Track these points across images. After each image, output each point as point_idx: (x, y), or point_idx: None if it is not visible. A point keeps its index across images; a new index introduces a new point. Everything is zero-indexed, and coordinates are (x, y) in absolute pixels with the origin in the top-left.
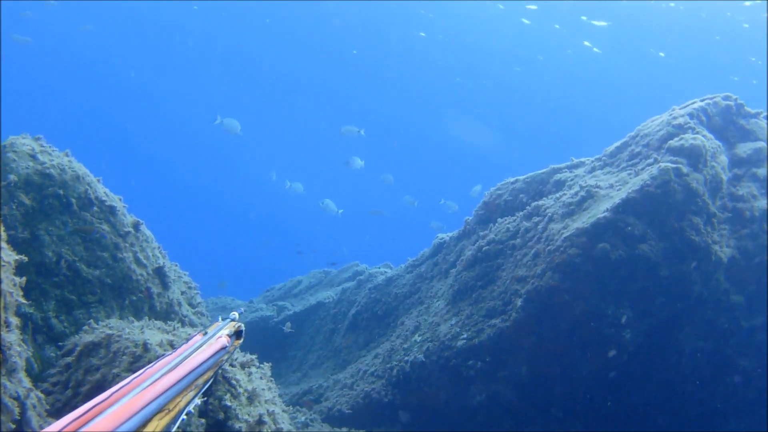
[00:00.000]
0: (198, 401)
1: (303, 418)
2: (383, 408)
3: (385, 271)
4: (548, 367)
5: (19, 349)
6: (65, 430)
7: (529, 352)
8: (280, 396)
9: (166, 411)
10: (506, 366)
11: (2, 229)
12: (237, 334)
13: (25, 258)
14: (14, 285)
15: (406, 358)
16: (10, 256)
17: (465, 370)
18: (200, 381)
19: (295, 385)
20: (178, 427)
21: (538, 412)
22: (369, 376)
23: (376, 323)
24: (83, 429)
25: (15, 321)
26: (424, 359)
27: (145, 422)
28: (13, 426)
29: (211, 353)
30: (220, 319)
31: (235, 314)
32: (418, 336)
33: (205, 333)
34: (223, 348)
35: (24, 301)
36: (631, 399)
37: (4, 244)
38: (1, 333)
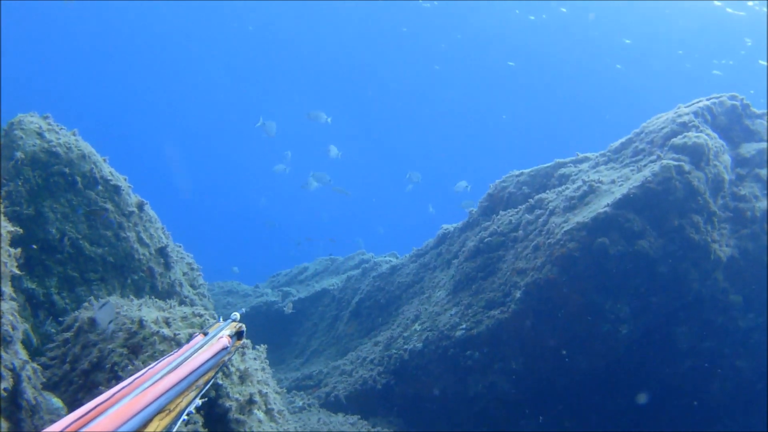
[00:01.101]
0: (199, 402)
1: (300, 403)
2: (380, 394)
3: (390, 260)
4: (545, 360)
5: (12, 318)
6: (67, 430)
7: (526, 345)
8: (279, 380)
9: (167, 411)
10: (504, 357)
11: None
12: (238, 334)
13: (20, 230)
14: (9, 256)
15: (406, 346)
16: (5, 228)
17: (463, 360)
18: (201, 381)
19: (296, 370)
20: (178, 428)
21: (534, 403)
22: (368, 363)
23: (379, 311)
24: (84, 429)
25: (8, 291)
26: (422, 348)
27: (146, 422)
28: (6, 395)
29: (212, 354)
30: (221, 319)
31: (237, 315)
32: (418, 325)
33: (207, 334)
34: (224, 348)
35: (18, 272)
36: (627, 394)
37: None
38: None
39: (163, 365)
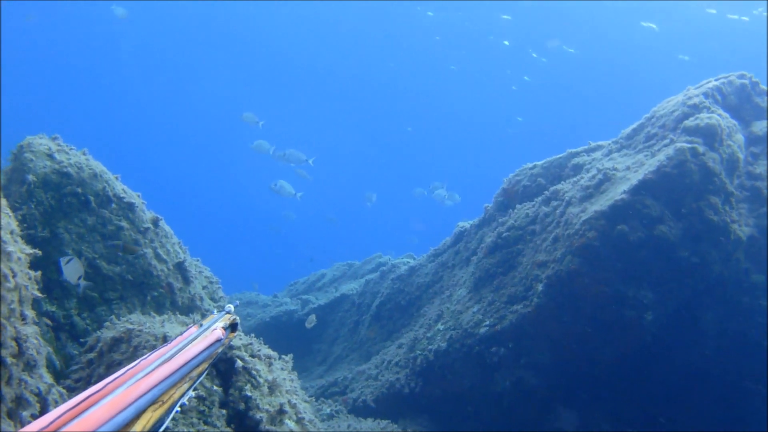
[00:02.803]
0: (192, 393)
1: (329, 410)
2: (408, 397)
3: (408, 261)
4: (571, 352)
5: (35, 342)
6: (59, 420)
7: (552, 337)
8: (305, 389)
9: (161, 403)
10: (529, 352)
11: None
12: (232, 326)
13: (39, 252)
14: (29, 278)
15: (430, 346)
16: (24, 251)
17: (488, 357)
18: (194, 373)
19: (321, 377)
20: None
21: (562, 396)
22: (393, 366)
23: (400, 313)
24: (77, 419)
25: (31, 314)
26: (447, 347)
27: (140, 413)
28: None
29: (206, 345)
30: (215, 311)
31: (231, 307)
32: (441, 324)
33: (201, 325)
34: (218, 340)
35: (40, 294)
36: (655, 381)
37: (6, 236)
38: (16, 326)
39: (157, 356)
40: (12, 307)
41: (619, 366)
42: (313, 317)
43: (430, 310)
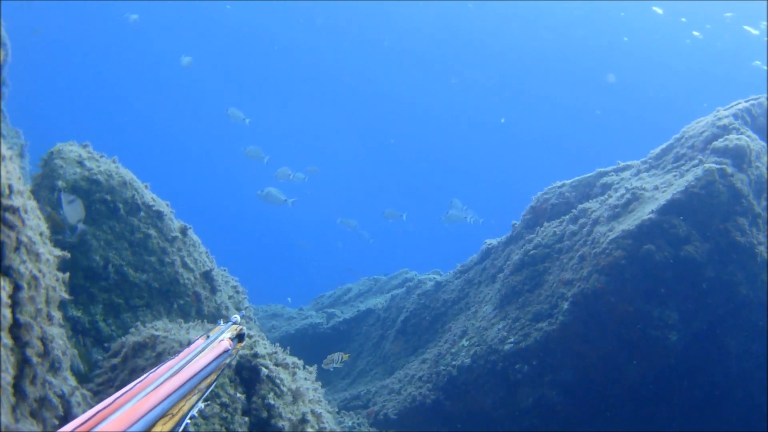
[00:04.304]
0: (201, 405)
1: (350, 423)
2: (430, 411)
3: (434, 278)
4: (595, 370)
5: (61, 343)
6: None
7: (576, 356)
8: (327, 401)
9: (170, 416)
10: (553, 369)
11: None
12: (239, 337)
13: (68, 255)
14: (57, 280)
15: (454, 362)
16: (53, 253)
17: (512, 374)
18: (203, 385)
19: (344, 391)
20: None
21: (585, 415)
22: (416, 381)
23: (425, 329)
24: None
25: (57, 315)
26: (471, 363)
27: (150, 427)
28: (58, 422)
29: (214, 357)
30: (222, 322)
31: (237, 317)
32: (466, 341)
33: (208, 336)
34: (226, 351)
35: (67, 296)
36: (678, 401)
37: (35, 237)
38: (42, 326)
39: (165, 369)
40: (39, 307)
41: (642, 385)
42: (335, 358)
43: (455, 326)
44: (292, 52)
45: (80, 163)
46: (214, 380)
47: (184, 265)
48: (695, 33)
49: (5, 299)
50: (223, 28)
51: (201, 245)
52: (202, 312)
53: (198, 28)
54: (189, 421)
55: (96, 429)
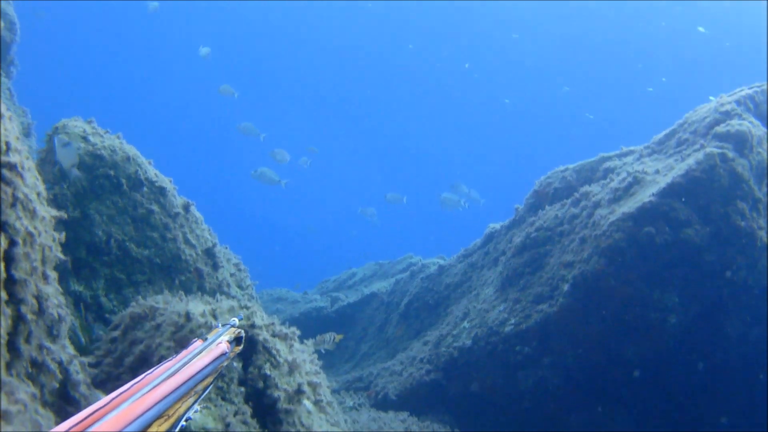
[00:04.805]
0: (197, 407)
1: (351, 402)
2: (430, 392)
3: (438, 262)
4: (594, 352)
5: (56, 302)
6: None
7: (576, 337)
8: (329, 384)
9: (166, 417)
10: (553, 351)
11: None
12: (237, 340)
13: (64, 215)
14: (53, 240)
15: (455, 344)
16: (50, 212)
17: (512, 356)
18: (200, 387)
19: (346, 374)
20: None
21: (584, 398)
22: (417, 362)
23: (428, 312)
24: None
25: (53, 275)
26: (472, 345)
27: (145, 428)
28: (58, 386)
29: (211, 359)
30: (219, 325)
31: (235, 320)
32: (467, 323)
33: (205, 339)
34: (223, 354)
35: (62, 256)
36: (676, 385)
37: (32, 196)
38: (38, 284)
39: (162, 371)
40: (35, 265)
41: (641, 368)
42: (326, 339)
43: (458, 309)
44: (296, 36)
45: (84, 138)
46: (211, 383)
47: (186, 241)
48: (700, 28)
49: None
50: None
51: (203, 222)
52: (204, 288)
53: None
54: (185, 423)
55: (91, 429)
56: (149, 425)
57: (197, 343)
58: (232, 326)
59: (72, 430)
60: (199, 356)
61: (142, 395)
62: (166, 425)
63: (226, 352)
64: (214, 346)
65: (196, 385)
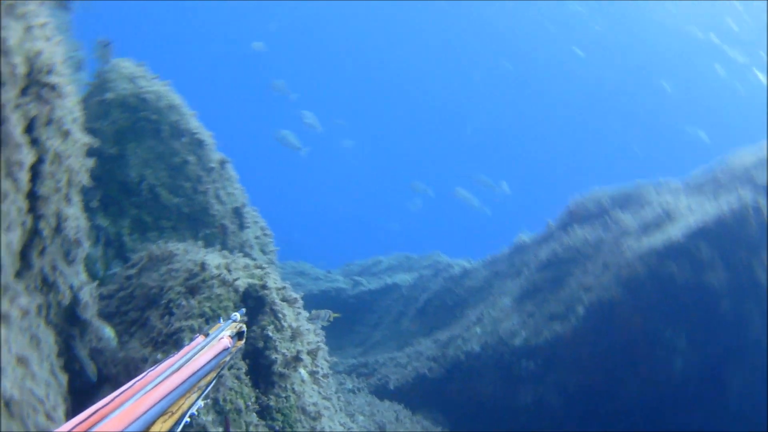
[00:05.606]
0: (201, 403)
1: (351, 385)
2: (429, 389)
3: (463, 264)
4: (597, 379)
5: (75, 225)
6: None
7: (581, 361)
8: (335, 364)
9: (170, 414)
10: (557, 371)
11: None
12: (239, 334)
13: (95, 144)
14: (81, 165)
15: (464, 347)
16: (83, 138)
17: (517, 369)
18: (203, 383)
19: (354, 358)
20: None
21: (580, 421)
22: (423, 358)
23: (445, 312)
24: None
25: (76, 199)
26: (480, 351)
27: (149, 425)
28: (65, 308)
29: (214, 355)
30: (221, 320)
31: (237, 315)
32: (479, 328)
33: (207, 335)
34: (226, 349)
35: (89, 183)
36: (673, 426)
37: (67, 119)
38: (60, 205)
39: (165, 367)
40: (59, 186)
41: (640, 405)
42: (321, 315)
43: (473, 313)
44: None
45: (132, 80)
46: (214, 378)
47: (217, 196)
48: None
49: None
50: None
51: (237, 181)
52: (227, 245)
53: None
54: (188, 419)
55: (95, 428)
56: (153, 423)
57: (199, 339)
58: (234, 321)
59: (75, 429)
60: (201, 352)
61: (146, 393)
62: (169, 422)
63: (228, 347)
64: (217, 342)
65: (199, 381)
